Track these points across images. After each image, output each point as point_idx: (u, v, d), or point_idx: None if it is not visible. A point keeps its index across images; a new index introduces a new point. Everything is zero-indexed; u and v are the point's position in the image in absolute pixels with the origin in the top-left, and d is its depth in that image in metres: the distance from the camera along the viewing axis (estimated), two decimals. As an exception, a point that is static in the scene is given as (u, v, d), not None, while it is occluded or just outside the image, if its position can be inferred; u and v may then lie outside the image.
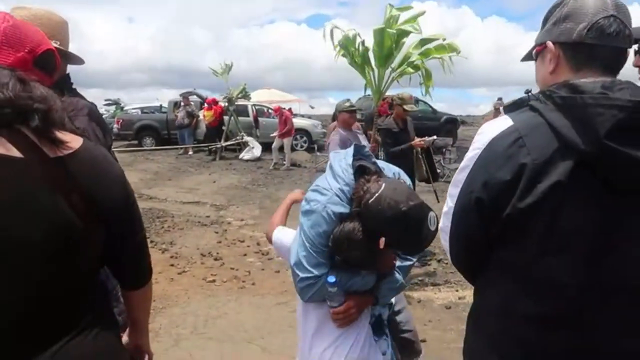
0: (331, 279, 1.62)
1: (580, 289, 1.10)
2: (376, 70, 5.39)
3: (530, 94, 1.21)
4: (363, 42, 5.29)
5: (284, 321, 3.83)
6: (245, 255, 5.74)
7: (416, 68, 5.29)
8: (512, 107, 1.23)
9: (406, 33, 5.08)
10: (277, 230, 1.93)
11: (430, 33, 5.34)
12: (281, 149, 13.39)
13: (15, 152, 1.01)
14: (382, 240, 1.52)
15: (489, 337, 1.23)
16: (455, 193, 1.24)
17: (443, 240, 1.34)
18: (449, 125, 17.12)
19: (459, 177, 1.23)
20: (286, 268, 5.19)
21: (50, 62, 1.35)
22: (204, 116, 15.47)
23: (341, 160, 1.71)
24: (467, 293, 4.55)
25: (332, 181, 1.66)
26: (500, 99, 10.86)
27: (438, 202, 5.63)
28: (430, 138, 5.93)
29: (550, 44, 1.20)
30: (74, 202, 1.06)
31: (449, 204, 1.28)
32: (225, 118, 15.65)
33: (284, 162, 13.18)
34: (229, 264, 5.35)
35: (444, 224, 1.31)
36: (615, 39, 1.13)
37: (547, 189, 1.07)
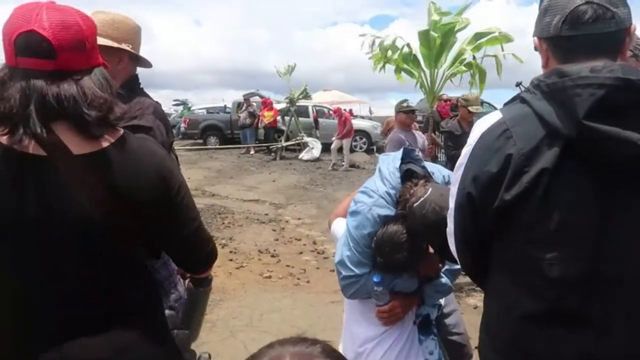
0: (376, 278, 1.64)
1: (576, 280, 1.05)
2: (427, 71, 5.33)
3: (520, 85, 1.20)
4: (408, 45, 5.25)
5: (336, 319, 3.84)
6: (301, 253, 5.83)
7: (469, 66, 5.18)
8: (508, 102, 1.22)
9: (452, 32, 4.99)
10: (335, 221, 1.98)
11: (484, 27, 5.20)
12: (340, 149, 13.44)
13: (40, 151, 1.08)
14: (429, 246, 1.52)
15: (493, 340, 1.21)
16: (454, 192, 1.23)
17: (450, 244, 1.31)
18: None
19: (456, 176, 1.22)
20: (341, 268, 5.24)
21: None
22: (264, 116, 15.82)
23: (389, 163, 1.72)
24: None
25: (379, 184, 1.68)
26: None
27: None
28: None
29: (535, 39, 1.20)
30: (95, 197, 1.10)
31: (450, 204, 1.26)
32: (286, 119, 15.94)
33: (343, 163, 13.22)
34: (285, 261, 5.46)
35: (449, 226, 1.28)
36: (593, 25, 1.07)
37: (533, 178, 1.04)
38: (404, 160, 1.73)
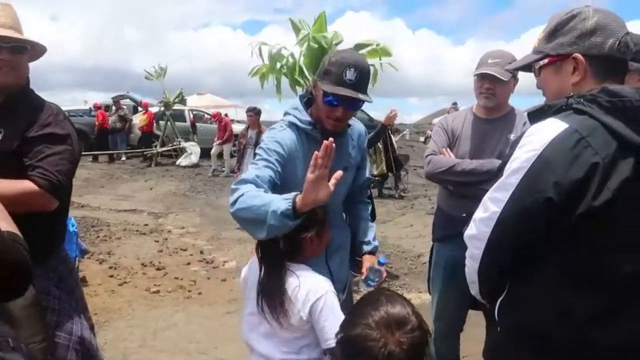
0: (382, 259, 1.92)
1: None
2: (310, 79, 5.48)
3: (570, 99, 1.24)
4: (292, 55, 5.39)
5: (235, 330, 3.75)
6: (188, 264, 5.60)
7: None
8: (541, 111, 1.29)
9: (329, 44, 5.19)
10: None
11: (363, 39, 5.49)
12: (220, 155, 13.18)
13: None
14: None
15: (545, 345, 1.23)
16: (504, 197, 1.22)
17: (474, 248, 1.30)
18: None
19: (510, 180, 1.21)
20: (233, 276, 5.14)
21: None
22: (140, 120, 14.96)
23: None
24: (412, 295, 4.70)
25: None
26: (454, 103, 10.89)
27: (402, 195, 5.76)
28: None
29: (579, 56, 1.25)
30: None
31: (491, 208, 1.25)
32: (162, 123, 15.20)
33: (224, 169, 12.98)
34: (173, 273, 5.20)
35: (479, 230, 1.27)
36: (629, 54, 1.26)
37: (618, 186, 1.12)
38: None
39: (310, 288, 1.60)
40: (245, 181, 1.65)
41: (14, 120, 1.76)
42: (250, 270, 1.83)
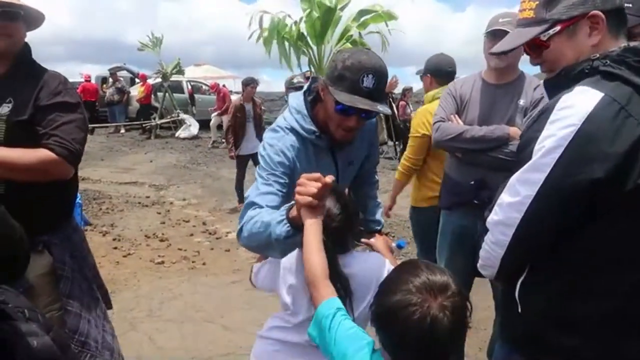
0: (402, 242, 1.85)
1: None
2: (314, 48, 5.39)
3: (595, 61, 1.13)
4: (296, 22, 5.29)
5: (240, 299, 3.81)
6: (192, 235, 5.62)
7: (354, 43, 5.35)
8: (560, 79, 1.19)
9: (332, 10, 5.10)
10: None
11: (367, 4, 5.41)
12: (220, 126, 13.08)
13: None
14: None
15: (579, 321, 1.17)
16: (539, 179, 1.11)
17: (500, 234, 1.20)
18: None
19: (545, 160, 1.10)
20: (236, 247, 5.17)
21: None
22: (138, 92, 14.81)
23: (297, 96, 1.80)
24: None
25: (287, 115, 1.74)
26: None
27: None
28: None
29: (599, 12, 1.14)
30: None
31: (522, 192, 1.14)
32: (160, 95, 15.04)
33: (223, 140, 12.90)
34: (176, 244, 5.23)
35: (508, 215, 1.17)
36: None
37: None
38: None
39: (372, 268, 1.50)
40: (250, 205, 1.52)
41: (22, 90, 1.75)
42: (291, 271, 1.57)
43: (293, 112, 1.69)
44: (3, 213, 1.11)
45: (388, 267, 1.50)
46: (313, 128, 1.65)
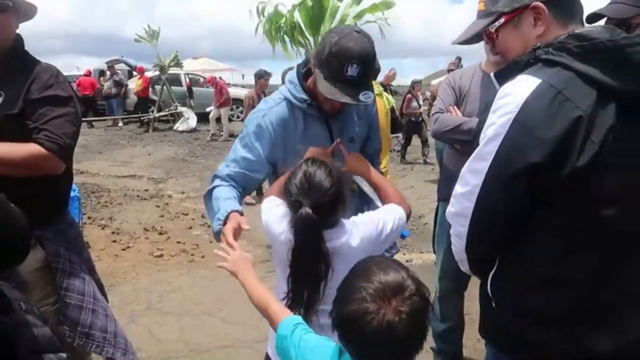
0: (405, 233, 1.74)
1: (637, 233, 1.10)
2: (311, 40, 5.36)
3: (537, 50, 1.14)
4: (289, 11, 5.25)
5: (239, 292, 3.71)
6: (190, 228, 5.62)
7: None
8: (508, 70, 1.19)
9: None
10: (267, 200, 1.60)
11: None
12: (218, 119, 13.06)
13: None
14: None
15: (542, 311, 1.16)
16: (483, 167, 1.12)
17: (459, 225, 1.21)
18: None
19: (487, 149, 1.11)
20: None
21: None
22: (136, 85, 14.76)
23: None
24: (414, 256, 4.75)
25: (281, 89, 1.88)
26: (458, 58, 9.42)
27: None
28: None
29: (538, 3, 1.16)
30: None
31: (470, 182, 1.16)
32: (157, 88, 15.00)
33: (222, 133, 12.88)
34: (175, 237, 5.22)
35: (462, 205, 1.18)
36: None
37: (603, 137, 1.03)
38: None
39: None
40: (216, 177, 1.81)
41: (13, 82, 1.72)
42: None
43: (287, 83, 1.79)
44: (3, 202, 1.10)
45: (378, 225, 1.46)
46: (304, 96, 1.73)
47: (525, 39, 1.21)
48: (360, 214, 1.52)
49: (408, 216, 1.57)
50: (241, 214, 1.62)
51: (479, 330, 1.36)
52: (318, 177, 1.35)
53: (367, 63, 1.57)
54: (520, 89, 1.09)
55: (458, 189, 1.20)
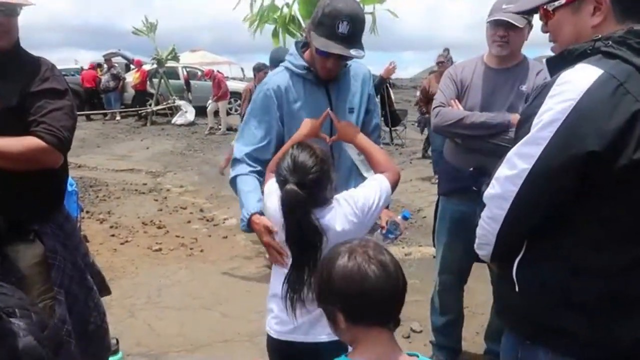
0: (407, 214, 1.93)
1: None
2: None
3: (597, 42, 1.14)
4: (287, 4, 5.21)
5: (238, 286, 3.82)
6: (189, 222, 5.61)
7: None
8: (562, 58, 1.20)
9: None
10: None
11: None
12: (216, 113, 13.02)
13: None
14: None
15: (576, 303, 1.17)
16: (535, 152, 1.12)
17: (496, 208, 1.20)
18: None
19: (542, 134, 1.11)
20: (234, 233, 5.16)
21: None
22: (133, 79, 14.69)
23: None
24: (413, 249, 4.76)
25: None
26: (446, 50, 8.82)
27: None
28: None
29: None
30: None
31: (519, 165, 1.15)
32: (155, 81, 14.93)
33: (220, 127, 12.85)
34: (174, 231, 5.21)
35: (505, 189, 1.17)
36: None
37: None
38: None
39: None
40: (236, 160, 1.93)
41: (10, 77, 1.72)
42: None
43: (287, 56, 2.00)
44: None
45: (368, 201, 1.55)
46: (303, 63, 1.91)
47: (580, 27, 1.20)
48: (344, 191, 1.60)
49: (397, 181, 1.67)
50: (261, 213, 1.74)
51: (497, 318, 1.35)
52: (302, 158, 1.47)
53: (357, 21, 1.76)
54: (582, 77, 1.10)
55: (503, 171, 1.19)
